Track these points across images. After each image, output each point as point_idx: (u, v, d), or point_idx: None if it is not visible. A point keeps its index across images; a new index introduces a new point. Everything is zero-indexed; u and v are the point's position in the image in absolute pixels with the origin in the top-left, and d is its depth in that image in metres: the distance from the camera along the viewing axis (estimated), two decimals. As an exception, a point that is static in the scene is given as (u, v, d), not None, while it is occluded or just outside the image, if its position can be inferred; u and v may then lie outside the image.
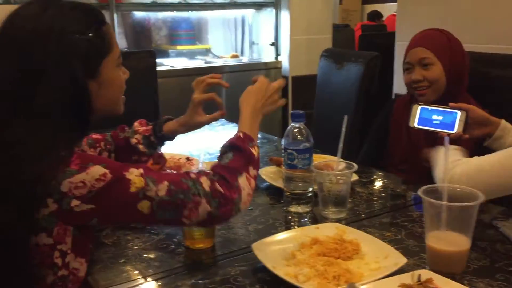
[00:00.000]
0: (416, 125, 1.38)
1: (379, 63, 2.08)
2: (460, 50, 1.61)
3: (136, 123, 1.31)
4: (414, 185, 1.37)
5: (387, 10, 6.91)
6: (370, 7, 7.53)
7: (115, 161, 0.97)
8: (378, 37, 4.56)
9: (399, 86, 2.93)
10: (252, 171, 0.95)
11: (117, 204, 0.82)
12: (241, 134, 0.99)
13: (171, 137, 1.31)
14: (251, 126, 1.04)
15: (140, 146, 1.27)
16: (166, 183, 0.84)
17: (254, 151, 0.98)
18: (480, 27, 2.22)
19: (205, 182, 0.87)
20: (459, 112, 1.30)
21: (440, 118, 1.34)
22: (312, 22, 3.73)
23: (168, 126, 1.29)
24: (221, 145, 0.99)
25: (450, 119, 1.32)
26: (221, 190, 0.87)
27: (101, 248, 1.06)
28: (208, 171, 0.92)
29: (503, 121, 1.31)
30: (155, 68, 2.48)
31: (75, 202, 0.78)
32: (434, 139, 1.37)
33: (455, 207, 0.89)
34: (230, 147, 0.97)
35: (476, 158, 1.15)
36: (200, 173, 0.91)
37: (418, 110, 1.38)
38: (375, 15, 6.83)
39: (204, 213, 0.86)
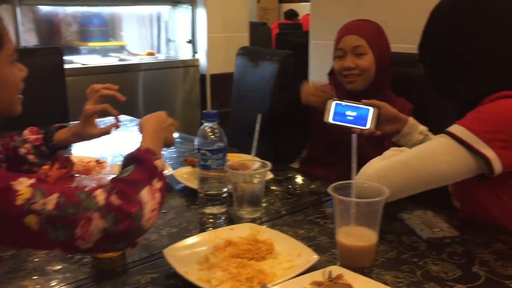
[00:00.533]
0: (331, 120, 1.40)
1: (293, 61, 2.11)
2: (388, 44, 1.68)
3: (26, 131, 1.22)
4: (328, 181, 1.39)
5: (303, 9, 7.08)
6: (286, 6, 7.68)
7: (5, 171, 0.88)
8: (294, 35, 4.65)
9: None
10: (157, 184, 0.86)
11: (1, 218, 0.74)
12: (142, 148, 0.91)
13: (63, 146, 1.24)
14: (153, 142, 0.97)
15: (30, 157, 1.18)
16: (55, 195, 0.76)
17: (158, 163, 0.90)
18: (390, 27, 2.32)
19: (100, 195, 0.79)
20: (371, 109, 1.34)
21: (354, 113, 1.37)
22: (230, 20, 3.73)
23: (60, 135, 1.22)
24: (123, 157, 0.91)
25: (363, 115, 1.36)
26: (117, 203, 0.78)
27: (-3, 262, 0.97)
28: (107, 183, 0.83)
29: (410, 118, 1.37)
30: (63, 65, 2.34)
31: None
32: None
33: (362, 203, 0.91)
34: (131, 159, 0.89)
35: (387, 157, 1.16)
36: (98, 186, 0.83)
37: (332, 106, 1.41)
38: (292, 14, 6.98)
39: (97, 231, 0.76)
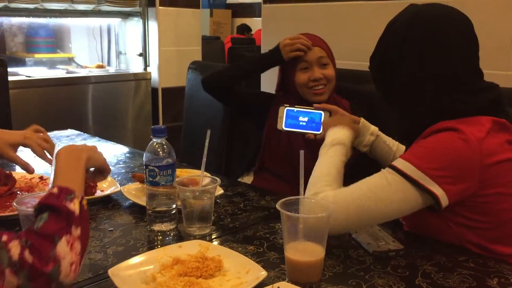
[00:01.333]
0: (284, 127, 1.41)
1: (244, 77, 2.12)
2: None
3: None
4: (279, 196, 1.40)
5: (256, 24, 7.15)
6: (239, 21, 7.74)
7: None
8: (247, 50, 4.69)
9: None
10: (75, 231, 0.78)
11: None
12: (54, 189, 0.83)
13: None
14: (67, 175, 0.89)
15: None
16: None
17: (74, 206, 0.81)
18: (339, 44, 2.38)
19: (15, 248, 0.72)
20: (323, 113, 1.36)
21: (306, 119, 1.38)
22: (182, 33, 3.72)
23: None
24: (35, 205, 0.83)
25: (316, 120, 1.37)
26: (30, 261, 0.72)
27: None
28: (22, 234, 0.77)
29: (362, 119, 1.40)
30: (7, 77, 2.26)
31: None
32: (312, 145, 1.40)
33: (309, 218, 0.92)
34: (44, 206, 0.80)
35: (334, 194, 1.09)
36: (15, 235, 0.76)
37: (284, 112, 1.41)
38: (244, 29, 7.04)
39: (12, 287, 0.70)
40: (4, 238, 0.74)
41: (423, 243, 1.12)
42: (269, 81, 3.01)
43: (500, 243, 1.11)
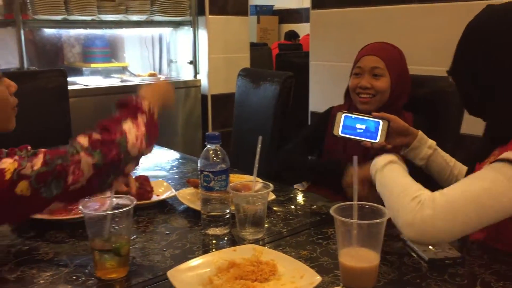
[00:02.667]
0: (340, 133, 1.39)
1: (294, 82, 2.14)
2: (407, 69, 1.69)
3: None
4: (330, 202, 1.41)
5: (302, 30, 7.15)
6: (286, 27, 7.76)
7: None
8: (295, 56, 4.70)
9: (314, 104, 3.04)
10: (140, 118, 0.93)
11: None
12: (131, 97, 0.99)
13: None
14: (147, 97, 1.04)
15: None
16: (41, 155, 0.80)
17: (143, 104, 0.97)
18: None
19: (83, 139, 0.85)
20: (381, 122, 1.34)
21: (363, 126, 1.36)
22: (230, 41, 3.78)
23: None
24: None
25: (373, 128, 1.35)
26: (99, 138, 0.84)
27: (2, 284, 0.98)
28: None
29: (420, 132, 1.38)
30: (67, 87, 2.37)
31: None
32: (370, 155, 1.40)
33: (364, 224, 0.92)
34: (117, 105, 0.97)
35: (442, 194, 1.03)
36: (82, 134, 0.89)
37: (342, 118, 1.39)
38: (292, 35, 7.05)
39: (88, 168, 0.82)
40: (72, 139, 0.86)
41: (481, 251, 1.10)
42: (318, 89, 3.01)
43: None
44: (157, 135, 0.99)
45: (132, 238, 1.18)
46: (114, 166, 0.85)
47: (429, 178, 1.39)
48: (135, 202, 1.03)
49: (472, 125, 1.29)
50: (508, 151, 1.03)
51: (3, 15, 2.94)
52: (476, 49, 1.12)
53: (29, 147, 1.23)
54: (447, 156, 1.40)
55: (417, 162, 1.38)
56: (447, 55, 1.19)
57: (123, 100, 0.96)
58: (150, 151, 0.94)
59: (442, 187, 1.06)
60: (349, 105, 1.71)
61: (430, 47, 2.32)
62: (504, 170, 1.00)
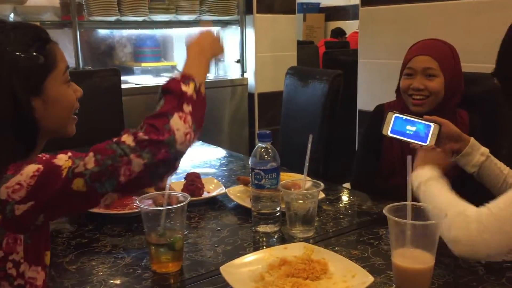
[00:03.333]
0: (389, 133, 1.37)
1: (342, 81, 2.12)
2: (460, 68, 1.62)
3: None
4: (380, 202, 1.39)
5: (349, 27, 7.06)
6: (333, 24, 7.68)
7: (47, 154, 0.91)
8: (342, 54, 4.65)
9: (362, 102, 3.00)
10: (187, 108, 0.90)
11: (54, 193, 0.79)
12: (175, 76, 0.96)
13: None
14: (192, 64, 1.03)
15: None
16: (91, 154, 0.82)
17: (187, 88, 0.93)
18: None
19: (128, 139, 0.84)
20: (432, 125, 1.31)
21: (414, 129, 1.33)
22: (277, 39, 3.78)
23: None
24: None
25: (424, 131, 1.32)
26: (146, 137, 0.83)
27: (64, 275, 1.03)
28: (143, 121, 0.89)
29: (472, 139, 1.34)
30: (120, 86, 2.45)
31: (17, 207, 0.77)
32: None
33: (419, 225, 0.90)
34: (162, 92, 0.94)
35: (488, 208, 0.99)
36: (124, 131, 0.88)
37: (392, 118, 1.37)
38: (338, 33, 6.97)
39: (139, 167, 0.82)
40: (115, 139, 0.86)
41: (542, 255, 1.05)
42: (367, 88, 2.97)
43: None
44: (203, 113, 0.97)
45: (185, 233, 1.21)
46: (165, 163, 0.86)
47: (480, 187, 1.35)
48: (189, 198, 1.05)
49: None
50: None
51: (60, 16, 3.06)
52: None
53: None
54: (500, 164, 1.35)
55: (468, 169, 1.33)
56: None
57: (169, 85, 0.94)
58: (199, 135, 0.94)
59: (494, 197, 1.03)
60: (402, 103, 1.67)
61: (484, 43, 2.24)
62: None
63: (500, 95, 1.66)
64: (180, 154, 0.88)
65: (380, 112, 1.72)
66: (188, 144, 0.89)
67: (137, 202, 1.05)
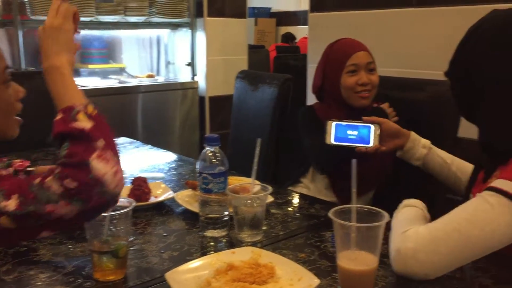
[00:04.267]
0: (333, 141, 1.39)
1: (292, 85, 2.14)
2: None
3: (18, 160, 1.25)
4: (328, 205, 1.41)
5: (300, 32, 7.17)
6: (284, 29, 7.77)
7: None
8: (292, 58, 4.71)
9: (312, 107, 3.04)
10: (99, 144, 0.79)
11: None
12: (58, 115, 0.83)
13: None
14: (61, 94, 0.86)
15: None
16: (15, 196, 0.75)
17: (81, 122, 0.81)
18: (386, 52, 2.37)
19: (53, 183, 0.75)
20: (372, 126, 1.34)
21: (355, 133, 1.37)
22: (228, 43, 3.78)
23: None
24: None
25: (365, 133, 1.35)
26: (74, 184, 0.75)
27: (1, 285, 0.98)
28: (53, 168, 0.79)
29: (412, 133, 1.38)
30: (64, 88, 2.36)
31: None
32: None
33: (362, 227, 0.92)
34: (58, 136, 0.83)
35: (426, 227, 0.98)
36: (47, 173, 0.79)
37: (332, 127, 1.39)
38: (289, 37, 7.06)
39: (72, 214, 0.76)
40: (37, 180, 0.77)
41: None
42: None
43: None
44: (109, 129, 0.85)
45: (130, 240, 1.18)
46: (102, 207, 0.79)
47: (429, 178, 1.40)
48: (134, 204, 1.03)
49: (471, 129, 1.28)
50: (500, 179, 0.99)
51: (1, 15, 2.93)
52: (476, 51, 1.09)
53: (4, 159, 1.21)
54: (444, 153, 1.40)
55: (414, 163, 1.39)
56: (444, 59, 1.19)
57: (61, 130, 0.80)
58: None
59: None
60: (332, 105, 1.70)
61: (428, 50, 2.33)
62: (490, 199, 0.96)
63: (445, 101, 1.74)
64: (117, 193, 0.80)
65: (311, 113, 1.74)
66: (120, 181, 0.81)
67: (79, 208, 1.01)
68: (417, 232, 0.97)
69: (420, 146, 1.36)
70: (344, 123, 1.37)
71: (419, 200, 1.15)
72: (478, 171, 1.22)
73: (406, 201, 1.15)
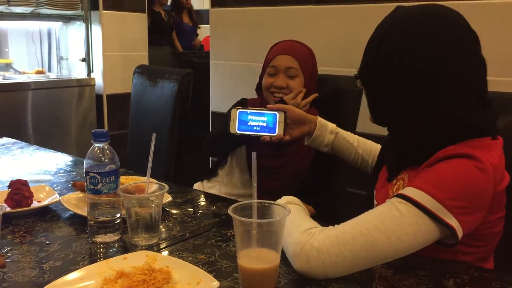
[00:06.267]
0: (237, 131, 1.32)
1: (192, 80, 2.06)
2: (316, 69, 1.70)
3: None
4: (230, 202, 1.35)
5: (204, 31, 7.08)
6: (187, 28, 7.64)
7: None
8: (195, 55, 4.62)
9: (215, 104, 2.99)
10: None
11: None
12: None
13: None
14: None
15: None
16: None
17: None
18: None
19: None
20: (277, 114, 1.30)
21: (260, 121, 1.32)
22: (127, 38, 3.61)
23: None
24: None
25: (270, 121, 1.31)
26: None
27: None
28: None
29: (319, 118, 1.36)
30: None
31: None
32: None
33: (263, 223, 0.87)
34: None
35: (333, 229, 0.95)
36: None
37: (237, 115, 1.32)
38: (192, 35, 6.94)
39: None
40: None
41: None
42: (219, 88, 2.96)
43: (484, 263, 1.08)
44: None
45: (5, 251, 1.03)
46: None
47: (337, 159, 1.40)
48: (4, 209, 0.89)
49: (368, 124, 1.29)
50: (410, 187, 0.97)
51: None
52: (390, 52, 1.04)
53: None
54: (349, 135, 1.40)
55: (322, 149, 1.38)
56: (342, 55, 1.18)
57: None
58: None
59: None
60: (262, 99, 1.71)
61: (327, 47, 2.37)
62: (399, 206, 0.94)
63: (345, 95, 1.77)
64: None
65: (240, 104, 1.75)
66: None
67: None
68: (323, 232, 0.94)
69: (327, 132, 1.36)
70: (248, 111, 1.32)
71: (294, 197, 1.11)
72: (381, 166, 1.23)
73: (285, 198, 1.11)
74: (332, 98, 1.78)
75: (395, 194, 1.00)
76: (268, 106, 1.32)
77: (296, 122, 1.33)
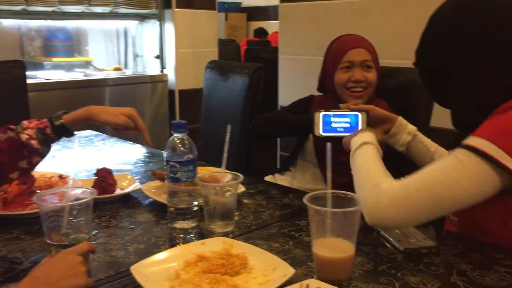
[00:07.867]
0: (322, 133, 1.37)
1: (263, 74, 2.09)
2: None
3: (25, 121, 1.19)
4: (302, 194, 1.36)
5: (271, 27, 7.12)
6: (255, 24, 7.72)
7: None
8: (264, 51, 4.66)
9: (283, 98, 3.01)
10: None
11: None
12: None
13: (69, 130, 1.22)
14: None
15: (33, 141, 1.14)
16: None
17: None
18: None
19: None
20: (360, 114, 1.33)
21: (343, 122, 1.35)
22: (198, 35, 3.71)
23: (69, 117, 1.22)
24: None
25: (353, 121, 1.34)
26: None
27: None
28: None
29: (399, 118, 1.36)
30: (25, 79, 2.25)
31: None
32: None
33: (339, 213, 0.88)
34: None
35: (399, 183, 1.02)
36: None
37: (320, 118, 1.37)
38: (261, 32, 7.02)
39: None
40: None
41: (456, 240, 1.08)
42: (287, 82, 2.97)
43: None
44: None
45: (94, 233, 1.11)
46: None
47: (411, 164, 1.38)
48: (95, 194, 0.96)
49: (443, 118, 1.26)
50: (471, 136, 0.99)
51: None
52: (446, 37, 1.08)
53: (33, 120, 1.20)
54: (428, 141, 1.38)
55: (397, 148, 1.37)
56: (413, 47, 1.17)
57: None
58: None
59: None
60: (329, 99, 1.69)
61: (398, 39, 2.32)
62: (462, 158, 0.97)
63: (417, 88, 1.73)
64: None
65: (308, 102, 1.75)
66: None
67: (35, 198, 0.94)
68: (391, 187, 1.01)
69: (405, 132, 1.35)
70: (331, 113, 1.35)
71: (370, 134, 1.20)
72: None
73: (359, 137, 1.18)
74: (403, 91, 1.74)
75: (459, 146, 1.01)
76: (350, 107, 1.34)
77: (378, 120, 1.34)
